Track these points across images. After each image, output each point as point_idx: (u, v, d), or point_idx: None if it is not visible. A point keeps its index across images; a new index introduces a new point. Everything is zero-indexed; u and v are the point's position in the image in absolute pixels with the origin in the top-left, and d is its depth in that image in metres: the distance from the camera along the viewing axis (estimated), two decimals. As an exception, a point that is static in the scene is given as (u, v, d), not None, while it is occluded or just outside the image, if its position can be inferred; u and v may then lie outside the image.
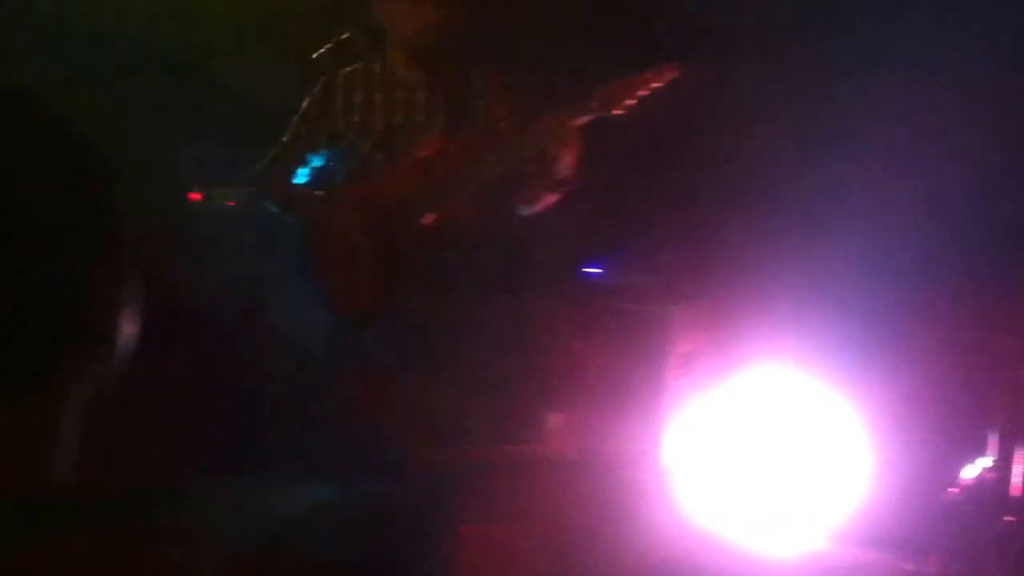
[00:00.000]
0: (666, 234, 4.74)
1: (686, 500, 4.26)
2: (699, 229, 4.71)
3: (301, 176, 3.79)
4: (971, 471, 4.07)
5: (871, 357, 4.33)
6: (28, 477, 0.93)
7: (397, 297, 3.20)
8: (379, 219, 3.54)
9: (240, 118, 4.67)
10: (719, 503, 4.28)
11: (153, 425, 3.63)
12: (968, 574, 3.78)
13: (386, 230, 3.51)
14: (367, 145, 3.70)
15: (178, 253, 4.43)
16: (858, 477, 4.23)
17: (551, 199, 3.62)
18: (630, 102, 3.40)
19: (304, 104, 3.73)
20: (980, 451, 4.05)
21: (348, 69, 3.77)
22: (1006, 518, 3.85)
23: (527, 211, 3.75)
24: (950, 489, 4.06)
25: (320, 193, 3.78)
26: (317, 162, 3.80)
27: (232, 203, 4.65)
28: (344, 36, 3.43)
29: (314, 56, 3.39)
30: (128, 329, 1.08)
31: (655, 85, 3.40)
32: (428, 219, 3.57)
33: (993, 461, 4.00)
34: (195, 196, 4.78)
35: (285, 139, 3.78)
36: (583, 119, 3.44)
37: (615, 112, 3.42)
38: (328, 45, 3.41)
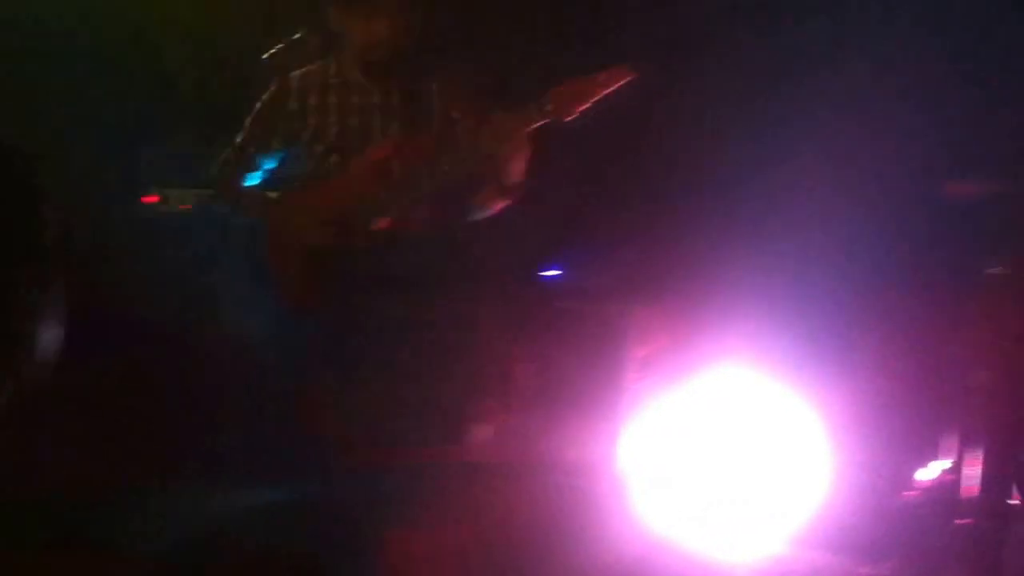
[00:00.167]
0: (624, 236, 4.73)
1: (643, 504, 4.24)
2: (657, 231, 4.71)
3: (254, 177, 3.76)
4: (926, 474, 4.09)
5: (829, 360, 4.34)
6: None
7: (345, 298, 3.17)
8: (332, 221, 3.52)
9: (198, 118, 4.64)
10: (677, 507, 4.27)
11: (82, 429, 3.61)
12: (923, 577, 3.80)
13: (339, 232, 3.49)
14: (321, 147, 3.68)
15: (128, 254, 4.40)
16: (816, 480, 4.23)
17: (504, 203, 3.62)
18: (583, 106, 3.40)
19: (258, 105, 3.70)
20: (935, 454, 4.06)
21: (302, 70, 3.75)
22: (960, 520, 3.86)
23: (480, 214, 3.75)
24: (906, 492, 4.08)
25: (273, 194, 3.76)
26: (271, 163, 3.78)
27: (188, 206, 4.61)
28: (296, 37, 3.40)
29: (264, 57, 3.35)
30: (51, 332, 1.05)
31: (608, 89, 3.40)
32: (381, 222, 3.55)
33: (948, 463, 4.02)
34: (151, 198, 4.73)
35: (238, 140, 3.75)
36: (537, 123, 3.44)
37: (569, 117, 3.42)
38: (279, 46, 3.38)
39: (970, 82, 4.25)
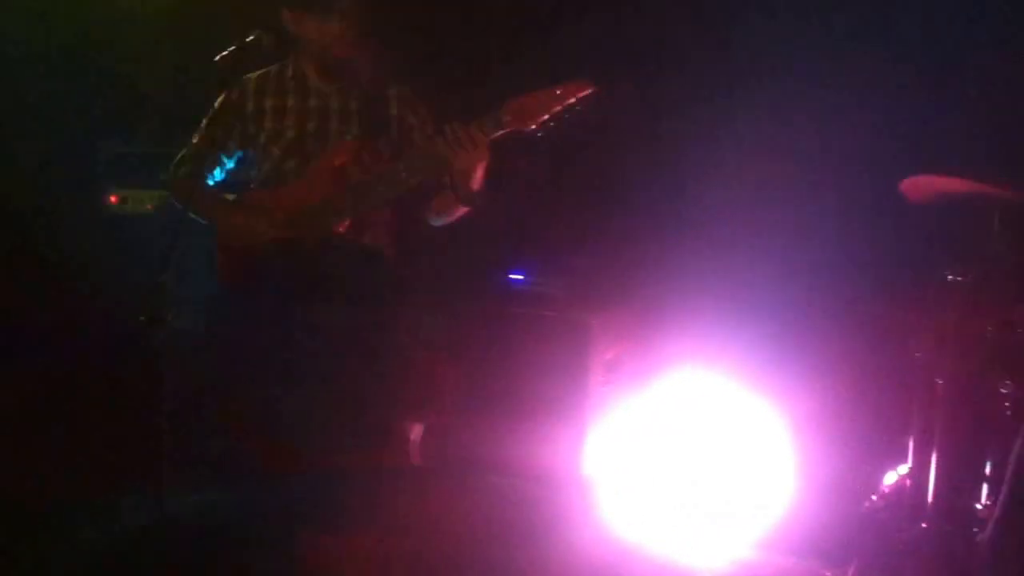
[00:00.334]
0: (588, 242, 4.73)
1: (608, 510, 4.23)
2: (620, 236, 4.71)
3: (211, 178, 3.74)
4: (889, 478, 4.09)
5: (793, 364, 4.35)
6: None
7: (288, 302, 3.14)
8: (288, 224, 3.49)
9: (161, 120, 4.62)
10: (642, 512, 4.26)
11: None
12: (886, 580, 3.80)
13: (294, 236, 3.45)
14: (278, 150, 3.66)
15: (88, 254, 4.38)
16: (780, 485, 4.23)
17: (462, 211, 3.61)
18: (545, 118, 3.40)
19: (214, 106, 3.67)
20: (898, 458, 4.07)
21: (260, 72, 3.72)
22: (922, 524, 3.87)
23: (438, 222, 3.74)
24: (869, 496, 4.08)
25: (229, 196, 3.73)
26: (227, 165, 3.75)
27: (149, 207, 4.59)
28: (249, 39, 3.37)
29: (217, 59, 3.32)
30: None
31: (569, 101, 3.40)
32: (336, 226, 3.53)
33: (910, 468, 4.02)
34: (112, 199, 4.71)
35: (194, 140, 3.72)
36: (497, 133, 3.44)
37: (531, 128, 3.42)
38: (232, 48, 3.35)
39: (931, 89, 4.26)
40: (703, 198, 4.52)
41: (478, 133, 3.42)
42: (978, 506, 3.83)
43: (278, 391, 1.27)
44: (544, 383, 4.36)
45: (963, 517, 3.85)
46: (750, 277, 4.40)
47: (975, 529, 3.75)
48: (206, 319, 3.17)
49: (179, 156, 3.78)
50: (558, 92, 3.41)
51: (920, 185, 3.84)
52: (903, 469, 4.04)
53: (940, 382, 3.87)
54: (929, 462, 3.89)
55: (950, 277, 3.82)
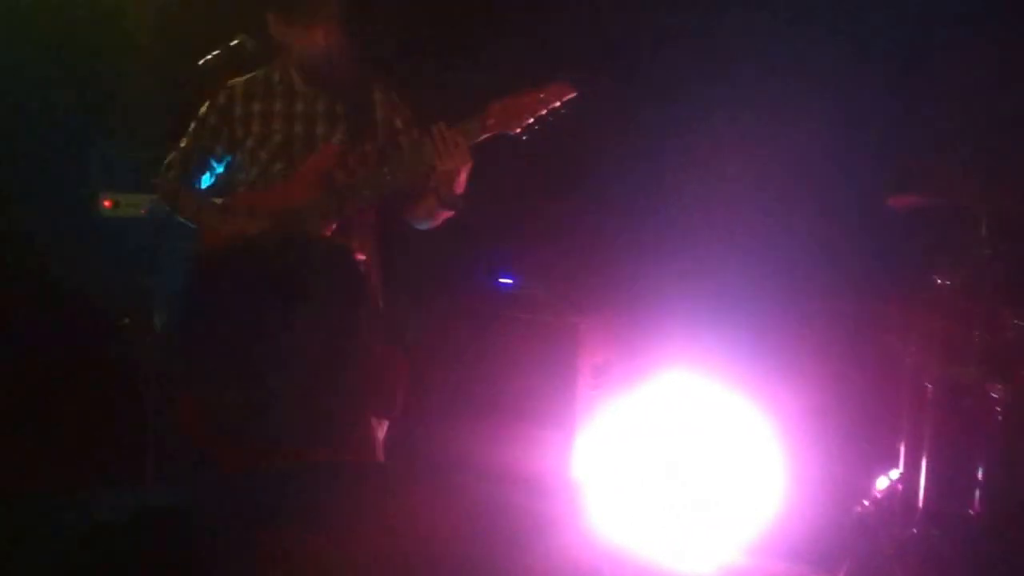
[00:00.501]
0: (576, 246, 4.73)
1: (596, 513, 4.23)
2: (609, 240, 4.71)
3: (198, 182, 3.74)
4: (879, 483, 4.09)
5: (782, 369, 4.34)
6: None
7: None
8: (275, 227, 3.49)
9: (154, 124, 4.62)
10: (631, 516, 4.26)
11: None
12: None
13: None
14: (265, 153, 3.66)
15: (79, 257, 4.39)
16: (769, 489, 4.23)
17: (446, 215, 3.61)
18: (525, 121, 3.41)
19: (202, 110, 3.67)
20: (887, 463, 4.07)
21: (248, 76, 3.72)
22: (912, 529, 3.86)
23: (423, 225, 3.74)
24: (858, 501, 4.08)
25: (216, 199, 3.73)
26: (215, 168, 3.75)
27: (143, 210, 4.59)
28: (233, 43, 3.37)
29: (201, 62, 3.32)
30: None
31: (550, 105, 3.40)
32: (323, 228, 3.54)
33: (900, 473, 4.01)
34: (106, 203, 4.71)
35: (183, 144, 3.73)
36: (480, 136, 3.45)
37: (514, 131, 3.43)
38: (216, 51, 3.35)
39: (918, 88, 4.27)
40: (690, 200, 4.52)
41: (461, 136, 3.43)
42: (969, 511, 3.83)
43: (234, 387, 1.27)
44: (532, 386, 4.36)
45: (953, 521, 3.85)
46: (739, 280, 4.40)
47: (964, 533, 3.76)
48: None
49: (167, 160, 3.78)
50: (541, 95, 3.41)
51: (907, 202, 3.86)
52: (893, 473, 4.04)
53: (929, 386, 3.87)
54: (919, 466, 3.89)
55: (938, 281, 3.82)
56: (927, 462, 3.88)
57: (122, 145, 4.63)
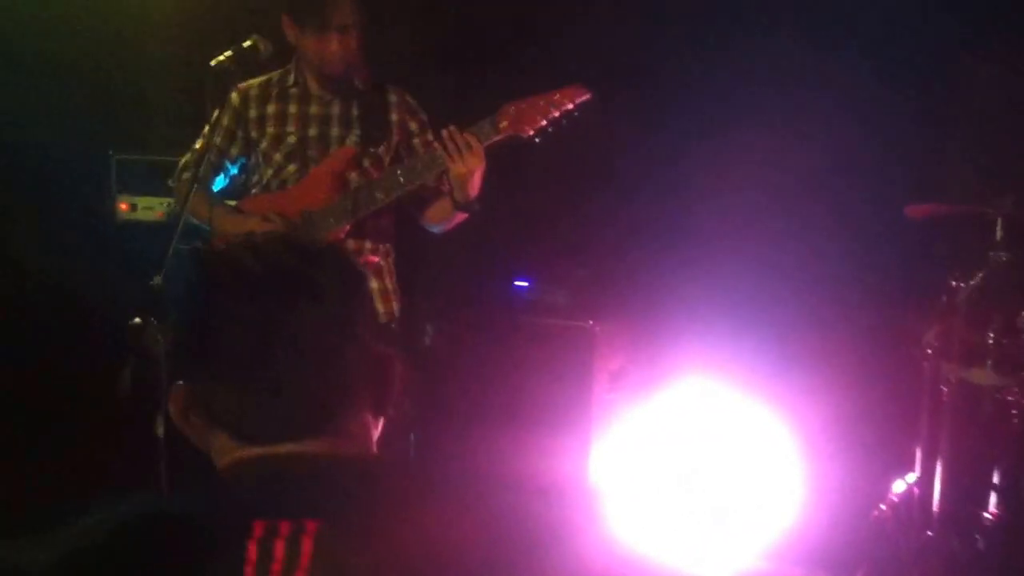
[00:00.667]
0: (594, 250, 4.73)
1: (614, 520, 4.22)
2: (627, 245, 4.70)
3: (212, 184, 3.75)
4: (896, 487, 4.06)
5: (799, 374, 4.33)
6: None
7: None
8: (289, 229, 3.51)
9: (171, 127, 4.65)
10: (649, 522, 4.24)
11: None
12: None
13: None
14: (279, 156, 3.68)
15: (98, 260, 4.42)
16: (787, 494, 4.21)
17: (460, 218, 3.62)
18: (538, 124, 3.40)
19: (216, 112, 3.69)
20: (905, 467, 4.04)
21: (262, 79, 3.74)
22: (928, 533, 3.84)
23: (437, 228, 3.75)
24: (876, 505, 4.06)
25: (230, 202, 3.75)
26: (229, 171, 3.77)
27: (159, 213, 4.61)
28: (247, 44, 3.38)
29: (213, 63, 3.33)
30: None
31: (564, 108, 3.40)
32: (337, 231, 3.55)
33: (917, 477, 3.99)
34: (123, 206, 4.74)
35: (197, 146, 3.75)
36: (494, 139, 3.45)
37: (529, 134, 3.42)
38: (228, 53, 3.36)
39: (934, 96, 4.26)
40: (709, 207, 4.51)
41: (474, 138, 3.43)
42: (985, 514, 3.81)
43: (232, 381, 1.27)
44: (548, 392, 4.35)
45: (970, 525, 3.83)
46: (755, 285, 4.39)
47: (981, 538, 3.74)
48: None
49: (182, 162, 3.81)
50: (556, 97, 3.41)
51: (924, 211, 3.85)
52: (910, 477, 4.02)
53: (945, 389, 3.85)
54: (936, 470, 3.86)
55: (953, 283, 3.80)
56: (944, 466, 3.85)
57: (138, 148, 4.66)
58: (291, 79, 3.69)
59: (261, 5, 3.81)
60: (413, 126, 3.72)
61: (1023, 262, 3.73)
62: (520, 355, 4.42)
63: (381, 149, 3.67)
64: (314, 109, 3.67)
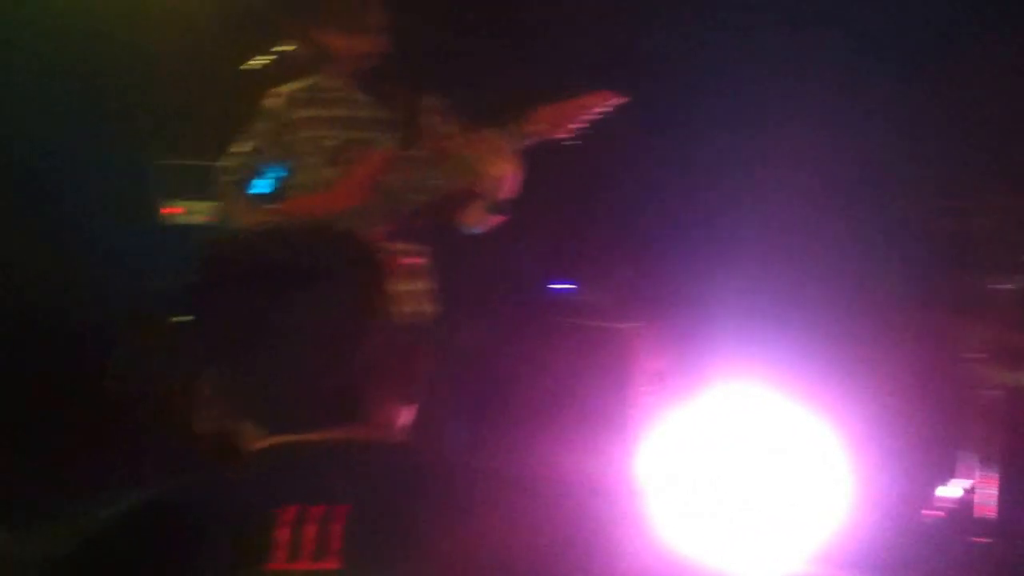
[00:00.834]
0: (635, 251, 4.71)
1: (658, 520, 4.20)
2: (670, 246, 4.68)
3: (252, 188, 3.79)
4: (944, 492, 4.01)
5: (845, 377, 4.28)
6: None
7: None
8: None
9: (223, 131, 4.69)
10: (693, 523, 4.22)
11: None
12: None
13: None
14: (316, 159, 3.70)
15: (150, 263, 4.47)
16: (833, 498, 4.16)
17: (494, 220, 3.62)
18: (576, 125, 3.39)
19: (254, 116, 3.73)
20: (953, 473, 3.99)
21: (301, 83, 3.77)
22: (976, 539, 3.78)
23: (471, 231, 3.76)
24: (924, 511, 4.01)
25: (269, 205, 3.79)
26: (268, 174, 3.81)
27: (206, 217, 4.67)
28: (283, 49, 3.42)
29: (257, 68, 3.37)
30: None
31: (600, 109, 3.39)
32: (372, 234, 3.57)
33: (966, 483, 3.94)
34: (174, 210, 4.80)
35: (235, 151, 3.79)
36: (527, 140, 3.44)
37: (561, 135, 3.42)
38: (266, 57, 3.40)
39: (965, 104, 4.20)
40: (752, 208, 4.47)
41: (506, 141, 3.43)
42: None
43: (244, 371, 1.28)
44: (588, 392, 4.35)
45: (1020, 531, 3.77)
46: (800, 288, 4.35)
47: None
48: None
49: (221, 166, 3.85)
50: (587, 100, 3.40)
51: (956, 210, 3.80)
52: (959, 482, 3.96)
53: (993, 393, 3.79)
54: (985, 475, 3.81)
55: (1003, 286, 3.74)
56: (994, 471, 3.80)
57: (184, 152, 4.72)
58: (326, 83, 3.72)
59: (296, 9, 3.84)
60: (446, 129, 3.73)
61: None
62: (562, 355, 4.42)
63: (415, 152, 3.68)
64: (349, 113, 3.70)
